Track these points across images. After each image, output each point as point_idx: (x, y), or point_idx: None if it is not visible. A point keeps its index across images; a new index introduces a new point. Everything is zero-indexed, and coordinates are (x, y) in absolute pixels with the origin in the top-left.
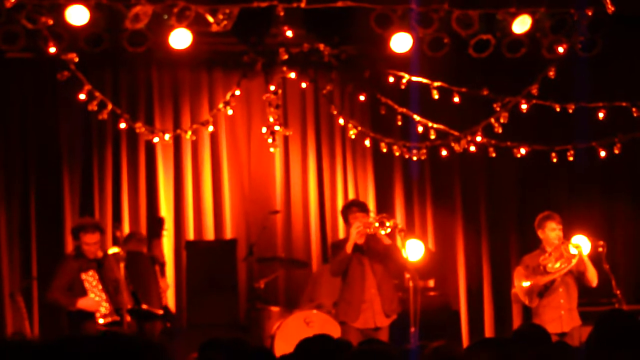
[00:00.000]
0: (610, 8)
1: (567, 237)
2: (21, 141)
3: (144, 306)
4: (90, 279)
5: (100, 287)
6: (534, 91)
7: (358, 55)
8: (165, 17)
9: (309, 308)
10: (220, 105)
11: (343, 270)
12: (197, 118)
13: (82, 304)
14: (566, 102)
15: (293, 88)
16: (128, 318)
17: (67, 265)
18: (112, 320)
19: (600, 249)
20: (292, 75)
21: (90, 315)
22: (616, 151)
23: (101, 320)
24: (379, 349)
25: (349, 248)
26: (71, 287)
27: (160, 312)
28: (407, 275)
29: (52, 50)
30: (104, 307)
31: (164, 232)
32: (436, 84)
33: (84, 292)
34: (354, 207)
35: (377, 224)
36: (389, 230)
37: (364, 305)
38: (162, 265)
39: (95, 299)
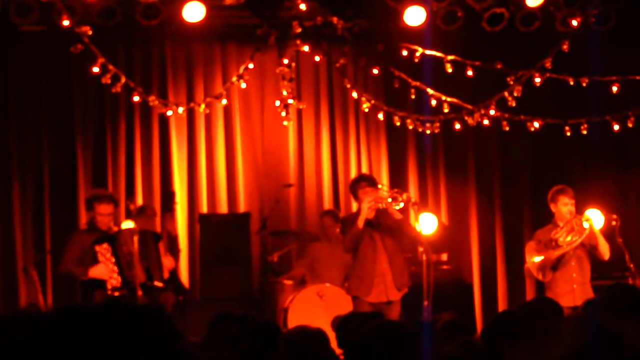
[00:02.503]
0: None
1: (580, 211)
2: (35, 114)
3: (156, 282)
4: (103, 251)
5: (113, 260)
6: (548, 65)
7: (371, 28)
8: None
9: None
10: (234, 79)
11: (355, 246)
12: (210, 91)
13: (94, 272)
14: (580, 75)
15: (306, 61)
16: (140, 292)
17: (79, 237)
18: (122, 294)
19: (614, 223)
20: (306, 48)
21: (101, 285)
22: (630, 125)
23: (110, 287)
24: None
25: (360, 223)
26: (82, 259)
27: (161, 284)
28: (421, 249)
29: (66, 23)
30: (115, 280)
31: (176, 206)
32: (450, 57)
33: (95, 263)
34: (363, 181)
35: (390, 200)
36: (402, 205)
37: (376, 280)
38: (174, 239)
39: (107, 268)
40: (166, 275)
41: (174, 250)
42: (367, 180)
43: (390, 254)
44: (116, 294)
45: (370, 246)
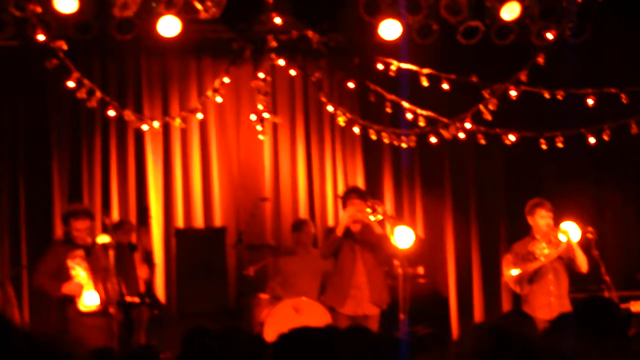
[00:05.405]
0: None
1: (556, 223)
2: (10, 129)
3: (128, 298)
4: (76, 266)
5: (86, 275)
6: (523, 77)
7: (347, 42)
8: (154, 4)
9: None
10: (209, 93)
11: (332, 253)
12: (186, 106)
13: (67, 289)
14: (555, 88)
15: (282, 75)
16: (112, 309)
17: (55, 250)
18: (95, 310)
19: (590, 236)
20: (281, 62)
21: (74, 301)
22: (605, 138)
23: (83, 307)
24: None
25: (339, 231)
26: (57, 272)
27: (137, 300)
28: (397, 263)
29: (41, 38)
30: (87, 297)
31: (151, 220)
32: (425, 71)
33: (69, 279)
34: (353, 193)
35: (369, 210)
36: (380, 217)
37: (352, 291)
38: (149, 253)
39: (79, 284)
40: (142, 287)
41: (149, 265)
42: (357, 193)
43: (369, 268)
44: (90, 309)
45: (349, 258)
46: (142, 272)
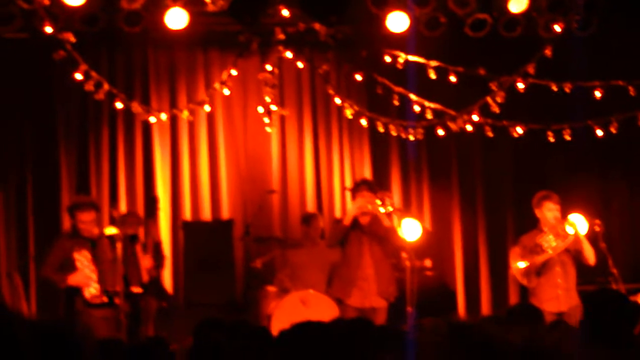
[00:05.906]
0: None
1: (564, 216)
2: (17, 121)
3: (133, 289)
4: (82, 258)
5: (92, 267)
6: (531, 70)
7: (354, 34)
8: None
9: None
10: (217, 85)
11: (338, 241)
12: (193, 98)
13: (72, 280)
14: (563, 81)
15: (289, 68)
16: (118, 300)
17: (61, 243)
18: (101, 301)
19: (597, 228)
20: (289, 54)
21: (81, 292)
22: (613, 130)
23: (88, 295)
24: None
25: (347, 221)
26: (63, 265)
27: (140, 290)
28: (404, 255)
29: (49, 30)
30: (94, 288)
31: (159, 212)
32: (433, 63)
33: (75, 270)
34: (363, 185)
35: (378, 201)
36: (390, 208)
37: (359, 283)
38: (158, 245)
39: (85, 275)
40: (145, 277)
41: (158, 257)
42: (367, 185)
43: (377, 260)
44: (96, 300)
45: (356, 249)
46: (145, 262)
